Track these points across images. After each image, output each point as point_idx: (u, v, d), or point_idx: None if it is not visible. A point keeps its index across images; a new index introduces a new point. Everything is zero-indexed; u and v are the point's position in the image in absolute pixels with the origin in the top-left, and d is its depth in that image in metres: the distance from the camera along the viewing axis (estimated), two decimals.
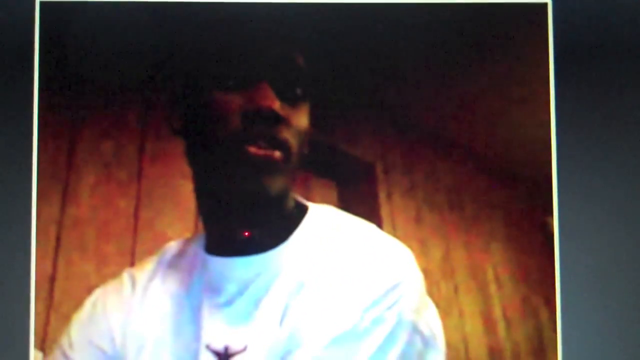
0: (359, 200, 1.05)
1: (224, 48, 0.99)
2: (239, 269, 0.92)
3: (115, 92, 1.02)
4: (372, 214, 1.03)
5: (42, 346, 0.97)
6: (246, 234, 0.93)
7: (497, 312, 1.04)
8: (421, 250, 1.02)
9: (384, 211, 1.04)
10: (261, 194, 0.91)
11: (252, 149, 0.91)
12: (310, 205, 0.97)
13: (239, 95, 0.92)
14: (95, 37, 1.03)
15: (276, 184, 0.91)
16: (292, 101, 0.93)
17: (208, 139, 0.93)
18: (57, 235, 0.99)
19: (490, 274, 1.04)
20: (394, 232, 1.01)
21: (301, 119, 0.94)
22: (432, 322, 0.93)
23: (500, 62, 1.04)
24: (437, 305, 0.95)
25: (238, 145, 0.91)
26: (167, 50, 1.02)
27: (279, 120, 0.91)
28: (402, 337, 0.87)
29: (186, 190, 0.98)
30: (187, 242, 0.99)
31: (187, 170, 0.97)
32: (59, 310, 0.97)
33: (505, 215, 1.05)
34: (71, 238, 0.99)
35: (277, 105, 0.92)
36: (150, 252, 0.99)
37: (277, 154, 0.91)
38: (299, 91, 0.94)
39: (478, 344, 1.02)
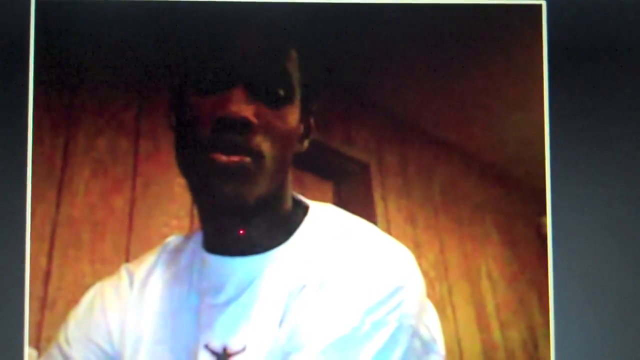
0: (354, 199, 1.05)
1: (203, 49, 0.97)
2: (239, 269, 0.91)
3: (110, 90, 1.02)
4: (367, 214, 1.03)
5: (37, 344, 0.96)
6: (241, 232, 0.92)
7: (491, 312, 1.04)
8: (415, 250, 1.02)
9: (379, 211, 1.04)
10: (239, 201, 0.89)
11: (219, 157, 0.88)
12: (311, 205, 0.96)
13: (213, 99, 0.89)
14: (90, 36, 1.02)
15: (252, 191, 0.89)
16: (274, 103, 0.90)
17: (183, 142, 0.92)
18: (51, 233, 0.99)
19: (483, 274, 1.05)
20: (388, 232, 1.01)
21: (285, 121, 0.91)
22: (431, 325, 0.93)
23: (494, 62, 1.05)
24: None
25: (205, 152, 0.89)
26: (161, 49, 1.02)
27: (250, 127, 0.88)
28: (403, 341, 0.86)
29: (181, 189, 0.98)
30: (186, 238, 0.98)
31: None
32: (54, 308, 0.97)
33: (499, 215, 1.06)
34: (66, 236, 0.99)
35: (249, 111, 0.89)
36: (145, 250, 0.98)
37: (247, 161, 0.88)
38: (282, 93, 0.91)
39: (472, 344, 1.02)
